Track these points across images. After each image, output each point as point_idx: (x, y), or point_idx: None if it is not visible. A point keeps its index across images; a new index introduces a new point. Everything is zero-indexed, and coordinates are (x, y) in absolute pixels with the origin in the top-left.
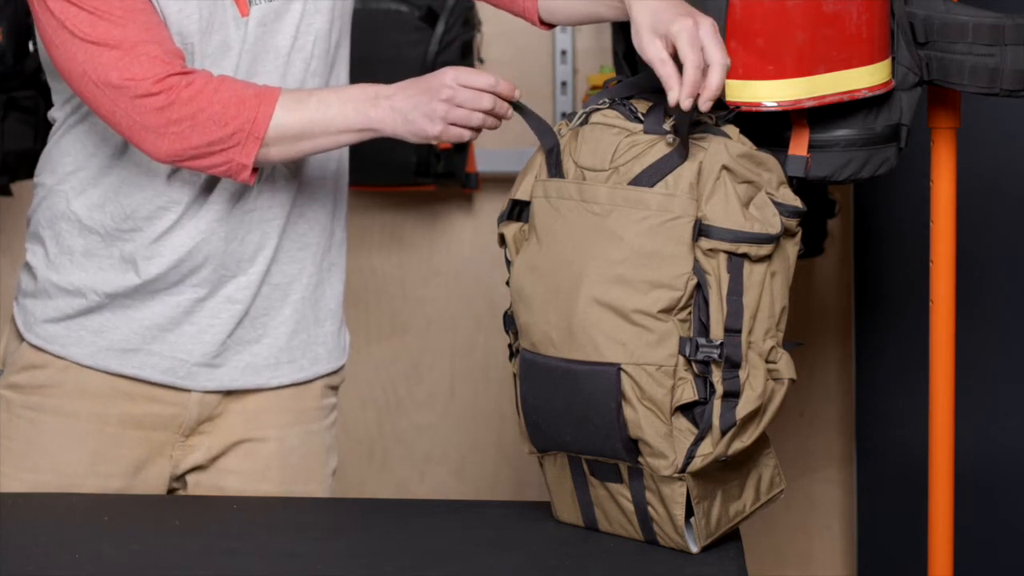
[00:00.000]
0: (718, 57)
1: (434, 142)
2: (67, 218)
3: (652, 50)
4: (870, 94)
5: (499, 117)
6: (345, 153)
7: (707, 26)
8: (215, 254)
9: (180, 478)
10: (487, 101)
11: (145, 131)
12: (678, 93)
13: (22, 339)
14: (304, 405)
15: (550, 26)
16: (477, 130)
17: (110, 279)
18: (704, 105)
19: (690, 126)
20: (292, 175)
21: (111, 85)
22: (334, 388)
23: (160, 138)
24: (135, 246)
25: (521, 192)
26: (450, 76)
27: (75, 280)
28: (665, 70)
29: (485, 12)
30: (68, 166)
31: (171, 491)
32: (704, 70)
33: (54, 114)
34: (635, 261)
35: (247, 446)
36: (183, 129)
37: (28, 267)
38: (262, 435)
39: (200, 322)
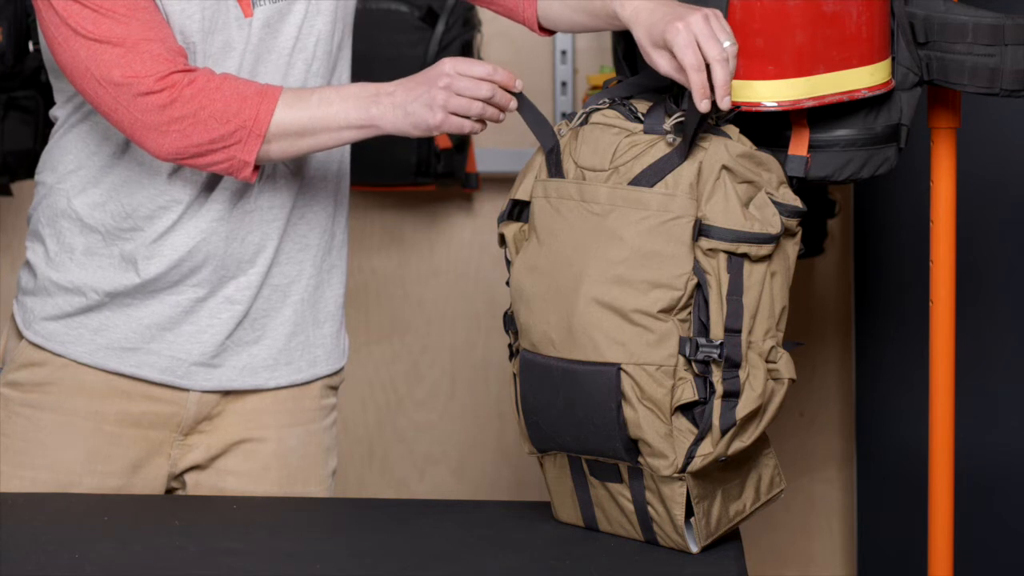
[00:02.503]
0: (715, 52)
1: (435, 133)
2: (68, 216)
3: (663, 64)
4: (870, 94)
5: (501, 108)
6: (346, 155)
7: (698, 22)
8: (215, 254)
9: (179, 477)
10: (486, 89)
11: (147, 129)
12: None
13: (21, 337)
14: (303, 405)
15: (550, 32)
16: (479, 121)
17: (110, 278)
18: (723, 104)
19: (700, 127)
20: (293, 175)
21: (113, 82)
22: (334, 388)
23: (162, 136)
24: (135, 245)
25: (521, 192)
26: (448, 65)
27: (75, 278)
28: (681, 77)
29: (485, 12)
30: (69, 164)
31: (170, 491)
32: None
33: (56, 112)
34: (635, 261)
35: (246, 446)
36: (185, 127)
37: (28, 265)
38: (261, 435)
39: (199, 322)
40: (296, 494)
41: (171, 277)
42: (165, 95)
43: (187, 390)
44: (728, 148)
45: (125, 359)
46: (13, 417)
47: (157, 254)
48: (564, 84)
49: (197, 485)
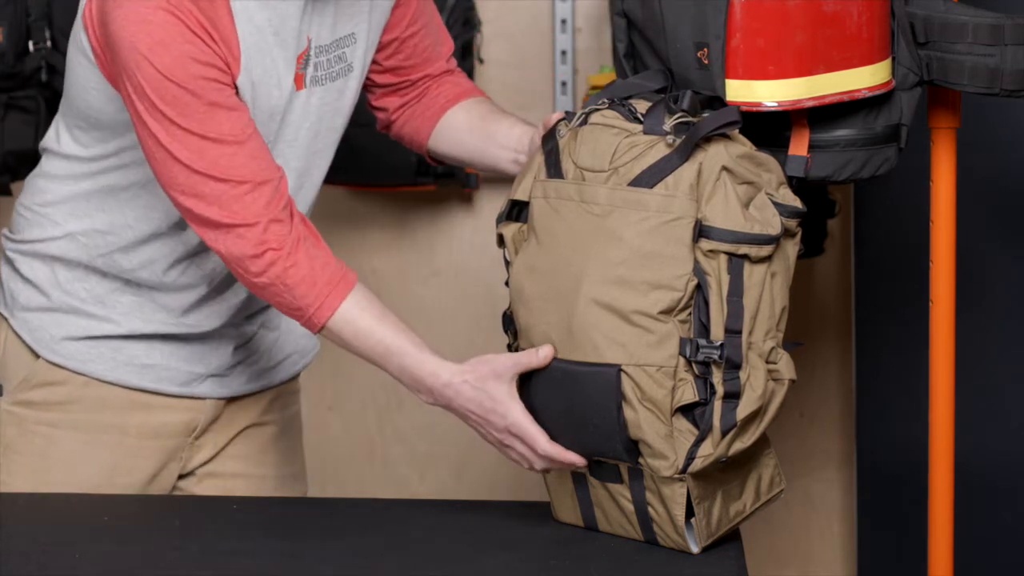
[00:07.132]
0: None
1: None
2: (94, 270)
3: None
4: (870, 94)
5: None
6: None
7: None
8: (236, 305)
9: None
10: (540, 465)
11: (228, 262)
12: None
13: (35, 355)
14: (291, 388)
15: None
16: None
17: (142, 318)
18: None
19: (701, 134)
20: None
21: (212, 224)
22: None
23: (240, 278)
24: (169, 299)
25: (520, 192)
26: (512, 430)
27: (98, 312)
28: None
29: (485, 12)
30: (116, 223)
31: (173, 488)
32: None
33: (80, 153)
34: (635, 262)
35: (249, 431)
36: (261, 288)
37: (29, 282)
38: (262, 420)
39: (216, 341)
40: (285, 475)
41: (194, 309)
42: (258, 262)
43: (203, 398)
44: (728, 149)
45: (145, 375)
46: (28, 435)
47: (182, 289)
48: (564, 84)
49: (200, 473)
